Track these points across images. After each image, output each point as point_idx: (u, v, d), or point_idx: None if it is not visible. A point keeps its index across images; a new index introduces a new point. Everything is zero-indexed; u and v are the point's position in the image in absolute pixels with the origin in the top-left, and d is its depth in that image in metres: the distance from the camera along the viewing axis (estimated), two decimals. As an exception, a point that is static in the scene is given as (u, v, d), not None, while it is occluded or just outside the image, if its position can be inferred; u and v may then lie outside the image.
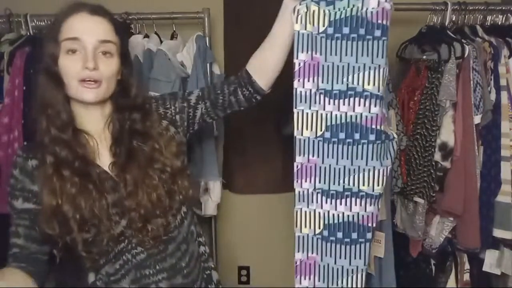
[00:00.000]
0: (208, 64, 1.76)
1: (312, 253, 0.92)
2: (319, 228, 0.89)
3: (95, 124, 0.98)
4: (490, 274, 1.68)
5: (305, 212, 0.89)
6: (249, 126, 2.03)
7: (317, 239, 0.88)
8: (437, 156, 1.58)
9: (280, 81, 1.94)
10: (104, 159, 0.97)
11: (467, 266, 1.72)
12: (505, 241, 1.62)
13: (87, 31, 0.90)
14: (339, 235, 0.88)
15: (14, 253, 0.91)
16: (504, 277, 1.69)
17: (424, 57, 1.64)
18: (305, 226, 0.90)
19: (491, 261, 1.66)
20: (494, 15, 1.73)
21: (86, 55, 0.89)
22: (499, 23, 1.73)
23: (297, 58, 0.90)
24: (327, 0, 0.86)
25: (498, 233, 1.59)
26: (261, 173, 2.06)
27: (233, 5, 1.95)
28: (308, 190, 0.89)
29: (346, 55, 0.84)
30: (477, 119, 1.56)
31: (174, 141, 1.01)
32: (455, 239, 1.67)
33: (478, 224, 1.58)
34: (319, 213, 0.89)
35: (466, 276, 1.72)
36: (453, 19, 1.70)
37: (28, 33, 1.75)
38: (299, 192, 0.91)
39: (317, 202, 0.90)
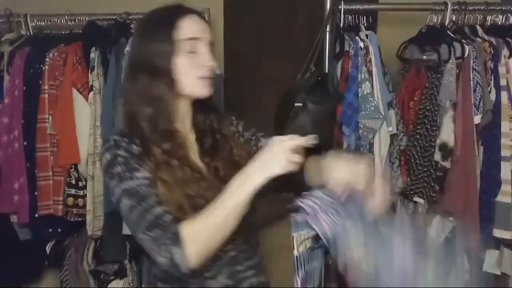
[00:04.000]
0: (208, 64, 1.76)
1: None
2: None
3: (184, 122, 1.02)
4: (490, 274, 1.68)
5: None
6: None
7: None
8: (437, 156, 1.58)
9: (280, 82, 1.95)
10: (194, 152, 1.01)
11: (467, 266, 1.72)
12: (505, 241, 1.62)
13: (203, 33, 0.96)
14: None
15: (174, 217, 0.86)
16: (504, 277, 1.69)
17: (424, 57, 1.64)
18: None
19: (491, 261, 1.66)
20: (494, 15, 1.73)
21: (206, 55, 0.95)
22: (499, 23, 1.73)
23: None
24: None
25: (498, 233, 1.59)
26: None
27: (233, 5, 1.95)
28: None
29: None
30: (477, 119, 1.56)
31: (244, 146, 1.09)
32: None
33: (478, 224, 1.58)
34: None
35: (466, 276, 1.72)
36: (453, 19, 1.70)
37: (28, 33, 1.75)
38: None
39: None
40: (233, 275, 0.97)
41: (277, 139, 0.86)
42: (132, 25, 1.77)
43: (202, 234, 0.84)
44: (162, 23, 0.95)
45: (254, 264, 1.02)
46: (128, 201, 0.86)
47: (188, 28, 0.94)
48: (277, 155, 0.83)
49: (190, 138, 1.03)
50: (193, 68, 0.94)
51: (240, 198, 0.84)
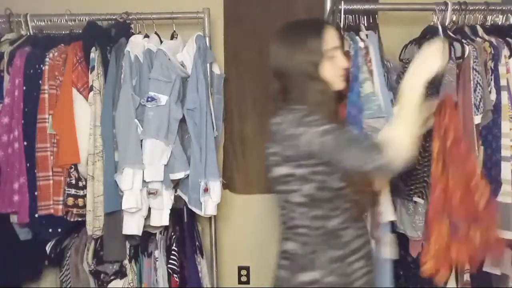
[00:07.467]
0: (208, 64, 1.76)
1: None
2: None
3: None
4: (490, 274, 1.68)
5: None
6: (248, 126, 2.03)
7: None
8: (438, 156, 1.58)
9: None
10: None
11: (467, 266, 1.72)
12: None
13: (339, 41, 1.23)
14: None
15: None
16: (504, 277, 1.69)
17: (424, 57, 1.64)
18: None
19: (491, 261, 1.66)
20: (494, 15, 1.73)
21: (343, 59, 1.21)
22: (499, 23, 1.73)
23: None
24: None
25: (498, 233, 1.59)
26: (261, 173, 2.06)
27: (233, 5, 1.95)
28: None
29: None
30: (477, 119, 1.56)
31: None
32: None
33: (478, 224, 1.58)
34: None
35: (466, 276, 1.72)
36: (454, 19, 1.69)
37: (28, 33, 1.75)
38: None
39: None
40: None
41: (426, 46, 1.13)
42: (132, 25, 1.77)
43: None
44: (311, 39, 1.18)
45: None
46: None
47: (331, 39, 1.19)
48: (430, 56, 1.10)
49: None
50: (338, 70, 1.21)
51: (415, 98, 1.10)
